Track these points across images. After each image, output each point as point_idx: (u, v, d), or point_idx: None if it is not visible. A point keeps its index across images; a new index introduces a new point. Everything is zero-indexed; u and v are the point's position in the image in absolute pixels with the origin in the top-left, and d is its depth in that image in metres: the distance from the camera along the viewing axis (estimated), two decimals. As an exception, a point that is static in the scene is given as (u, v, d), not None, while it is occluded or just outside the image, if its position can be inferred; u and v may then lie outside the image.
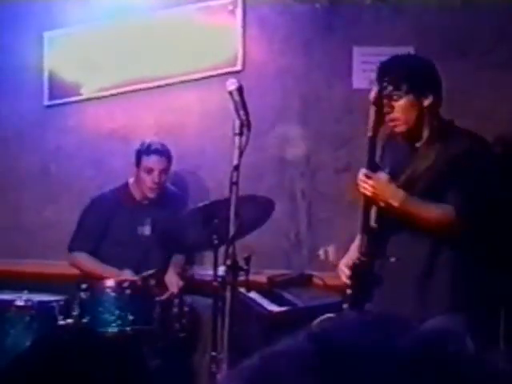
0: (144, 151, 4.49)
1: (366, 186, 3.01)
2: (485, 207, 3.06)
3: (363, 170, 3.05)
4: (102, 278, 4.27)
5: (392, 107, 3.09)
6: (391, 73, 3.10)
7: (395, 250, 3.11)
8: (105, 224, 4.53)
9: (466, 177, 3.02)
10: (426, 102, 3.08)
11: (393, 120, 3.12)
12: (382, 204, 3.05)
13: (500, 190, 3.16)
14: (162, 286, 4.24)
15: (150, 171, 4.48)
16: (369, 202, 3.07)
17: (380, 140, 3.35)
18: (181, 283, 4.33)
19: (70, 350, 1.58)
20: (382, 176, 3.03)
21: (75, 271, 4.69)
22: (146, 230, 4.53)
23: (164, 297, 4.15)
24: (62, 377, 1.53)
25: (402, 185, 3.02)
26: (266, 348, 0.71)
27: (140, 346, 3.74)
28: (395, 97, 3.08)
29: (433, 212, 3.03)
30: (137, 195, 4.58)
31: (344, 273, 3.23)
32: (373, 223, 3.12)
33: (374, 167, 3.07)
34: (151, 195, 4.52)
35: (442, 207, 3.03)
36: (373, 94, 3.06)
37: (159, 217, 4.47)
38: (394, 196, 3.00)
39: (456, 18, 4.77)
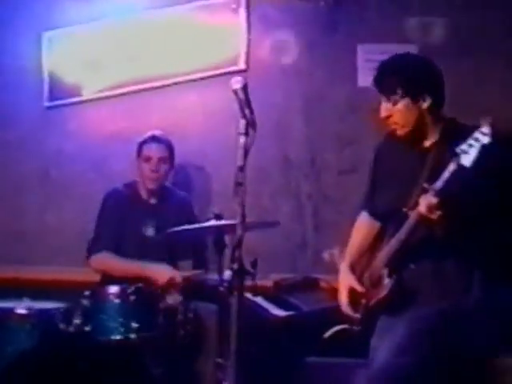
0: (143, 141, 4.51)
1: (434, 214, 2.88)
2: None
3: (433, 200, 2.87)
4: (126, 275, 4.12)
5: (390, 111, 3.06)
6: (386, 77, 3.08)
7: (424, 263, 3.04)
8: (119, 219, 4.43)
9: (488, 179, 2.94)
10: (425, 105, 3.04)
11: (393, 124, 3.09)
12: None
13: None
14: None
15: (148, 159, 4.46)
16: (421, 222, 2.94)
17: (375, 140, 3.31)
18: (178, 279, 4.16)
19: (71, 359, 1.52)
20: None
21: (77, 278, 4.62)
22: (150, 231, 4.48)
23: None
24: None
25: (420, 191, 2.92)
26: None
27: (144, 354, 3.66)
28: (392, 101, 3.05)
29: None
30: (143, 193, 4.54)
31: (344, 303, 3.21)
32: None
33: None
34: (151, 186, 4.47)
35: None
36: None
37: (164, 219, 4.41)
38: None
39: (462, 15, 4.70)
